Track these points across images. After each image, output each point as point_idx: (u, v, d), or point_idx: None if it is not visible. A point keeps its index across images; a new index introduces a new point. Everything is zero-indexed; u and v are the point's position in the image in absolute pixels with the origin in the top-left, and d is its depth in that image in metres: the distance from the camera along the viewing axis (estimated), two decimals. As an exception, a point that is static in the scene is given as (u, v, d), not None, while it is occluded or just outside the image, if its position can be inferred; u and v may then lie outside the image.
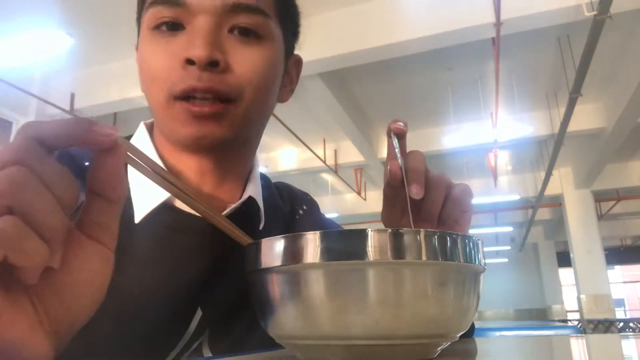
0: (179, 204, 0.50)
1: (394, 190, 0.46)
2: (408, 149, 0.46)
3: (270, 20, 0.50)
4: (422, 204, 0.44)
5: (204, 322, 0.49)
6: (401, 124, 0.45)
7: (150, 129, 0.56)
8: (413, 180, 0.43)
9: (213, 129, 0.47)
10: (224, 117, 0.47)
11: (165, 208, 0.49)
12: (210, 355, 0.50)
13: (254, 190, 0.55)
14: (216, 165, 0.52)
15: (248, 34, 0.48)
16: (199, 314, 0.49)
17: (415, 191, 0.42)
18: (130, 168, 0.50)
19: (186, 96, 0.46)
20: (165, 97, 0.47)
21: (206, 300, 0.50)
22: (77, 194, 0.26)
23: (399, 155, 0.44)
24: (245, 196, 0.53)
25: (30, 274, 0.23)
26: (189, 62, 0.45)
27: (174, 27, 0.47)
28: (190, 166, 0.51)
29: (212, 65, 0.45)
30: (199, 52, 0.44)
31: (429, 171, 0.45)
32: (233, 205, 0.51)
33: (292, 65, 0.60)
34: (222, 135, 0.48)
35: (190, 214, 0.50)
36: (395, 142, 0.45)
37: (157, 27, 0.47)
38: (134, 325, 0.45)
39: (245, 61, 0.48)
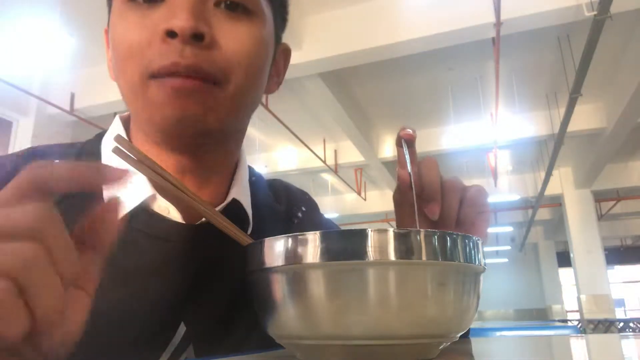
0: (156, 207, 0.45)
1: (403, 196, 0.46)
2: None
3: None
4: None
5: (189, 338, 0.45)
6: (410, 130, 0.44)
7: (126, 122, 0.51)
8: (430, 199, 0.43)
9: (196, 108, 0.41)
10: (208, 99, 0.42)
11: (142, 212, 0.44)
12: None
13: (238, 191, 0.50)
14: (198, 163, 0.47)
15: (236, 8, 0.43)
16: (182, 328, 0.45)
17: (432, 211, 0.42)
18: (104, 147, 0.47)
19: (165, 75, 0.40)
20: (140, 76, 0.41)
21: (190, 314, 0.45)
22: (78, 268, 0.25)
23: (408, 163, 0.44)
24: (228, 199, 0.49)
25: (8, 339, 0.22)
26: (170, 34, 0.39)
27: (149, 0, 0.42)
28: (170, 164, 0.46)
29: (196, 38, 0.40)
30: (181, 22, 0.39)
31: (442, 177, 0.44)
32: (216, 209, 0.48)
33: (280, 53, 0.54)
34: (205, 119, 0.42)
35: (168, 219, 0.45)
36: (405, 149, 0.45)
37: None
38: (110, 336, 0.41)
39: (234, 37, 0.42)
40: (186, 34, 0.39)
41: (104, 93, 5.64)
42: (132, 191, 0.44)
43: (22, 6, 4.31)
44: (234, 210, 0.49)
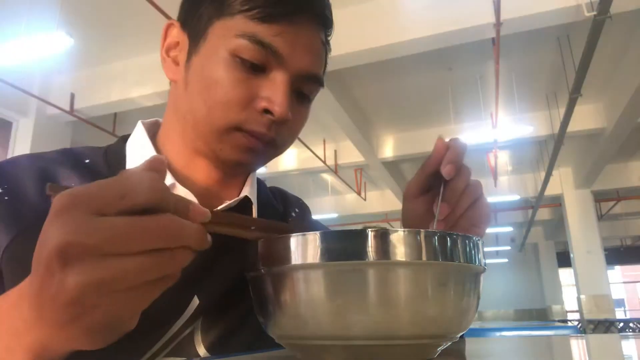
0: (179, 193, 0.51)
1: (427, 178, 0.51)
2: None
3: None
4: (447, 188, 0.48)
5: (200, 310, 0.51)
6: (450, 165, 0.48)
7: (150, 129, 0.58)
8: (449, 161, 0.47)
9: (254, 160, 0.54)
10: (265, 155, 0.54)
11: None
12: (201, 340, 0.51)
13: (250, 190, 0.59)
14: (225, 172, 0.57)
15: (303, 97, 0.55)
16: (195, 302, 0.50)
17: (441, 211, 0.46)
18: (129, 150, 0.54)
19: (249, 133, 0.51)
20: (228, 124, 0.50)
21: (202, 289, 0.51)
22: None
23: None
24: (241, 195, 0.57)
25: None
26: (268, 112, 0.50)
27: (255, 67, 0.50)
28: (200, 169, 0.56)
29: (283, 122, 0.51)
30: (281, 110, 0.49)
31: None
32: (229, 202, 0.55)
33: None
34: (255, 166, 0.57)
35: None
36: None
37: (241, 59, 0.49)
38: None
39: (298, 120, 0.55)
40: (280, 120, 0.50)
41: (104, 93, 5.63)
42: None
43: (21, 7, 4.31)
44: (244, 206, 0.58)
